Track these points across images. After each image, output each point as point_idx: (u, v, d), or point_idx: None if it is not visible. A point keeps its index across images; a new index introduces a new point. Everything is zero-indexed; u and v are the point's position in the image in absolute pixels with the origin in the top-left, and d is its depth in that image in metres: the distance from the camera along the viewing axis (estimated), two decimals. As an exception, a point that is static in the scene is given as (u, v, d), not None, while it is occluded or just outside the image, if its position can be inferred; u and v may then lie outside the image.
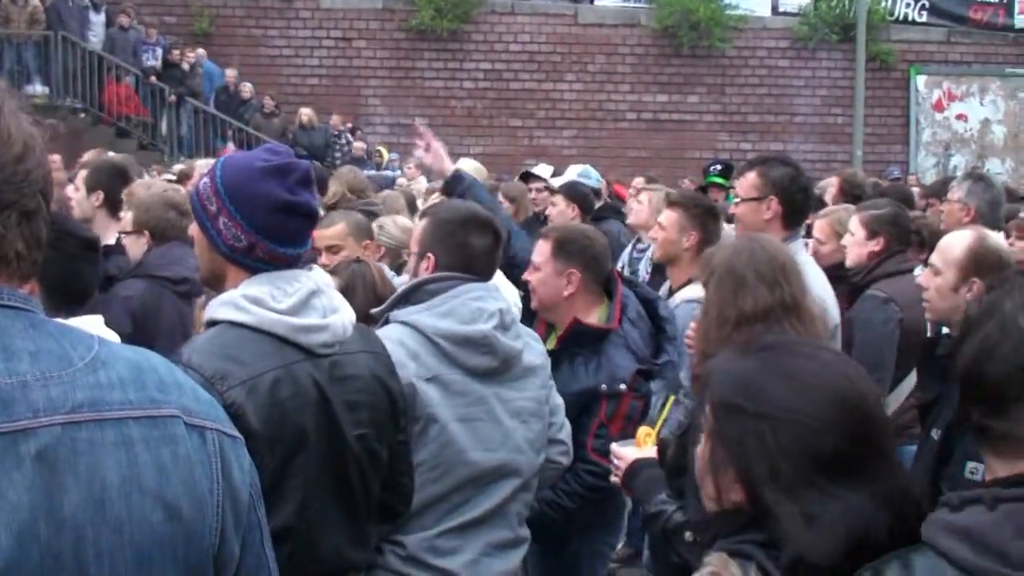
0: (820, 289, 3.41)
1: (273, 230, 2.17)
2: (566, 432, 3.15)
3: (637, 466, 2.75)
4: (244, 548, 1.35)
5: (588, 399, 3.35)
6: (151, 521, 1.23)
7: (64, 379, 1.21)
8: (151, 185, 4.52)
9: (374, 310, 3.01)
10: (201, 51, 16.97)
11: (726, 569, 1.37)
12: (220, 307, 2.18)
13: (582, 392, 3.35)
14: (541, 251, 3.55)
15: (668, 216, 4.34)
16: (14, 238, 1.23)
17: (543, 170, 7.22)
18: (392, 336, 2.73)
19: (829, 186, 6.77)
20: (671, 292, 4.29)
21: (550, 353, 3.40)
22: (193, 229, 2.29)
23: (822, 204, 5.94)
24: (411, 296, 2.86)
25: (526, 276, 3.63)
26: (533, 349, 3.03)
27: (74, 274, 2.88)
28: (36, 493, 1.15)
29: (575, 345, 3.44)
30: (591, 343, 3.43)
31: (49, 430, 1.17)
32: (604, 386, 3.35)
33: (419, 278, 2.89)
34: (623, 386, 3.35)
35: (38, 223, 1.26)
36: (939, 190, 6.63)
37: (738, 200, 3.89)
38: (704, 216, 4.28)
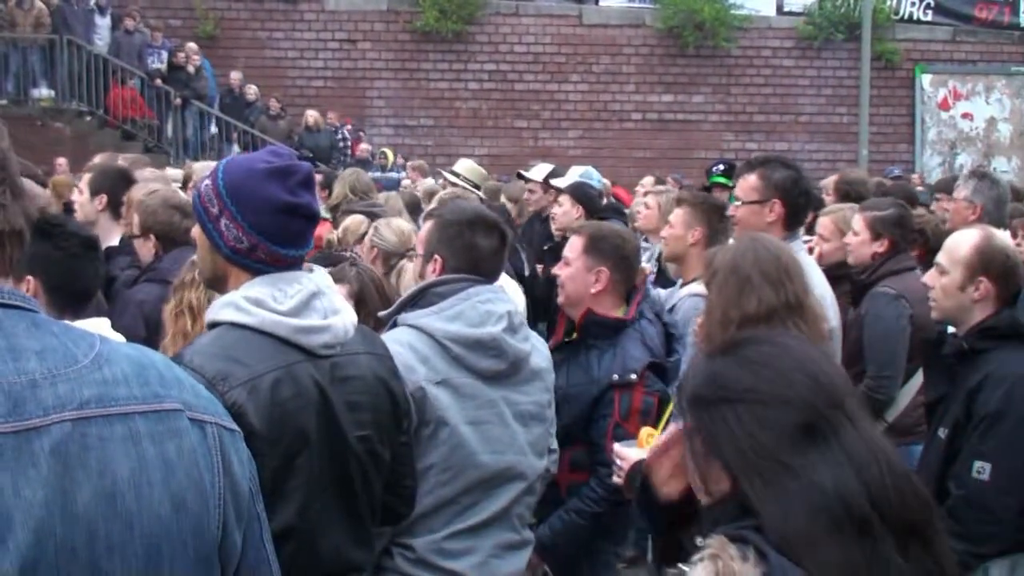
0: (821, 289, 3.39)
1: (274, 231, 2.17)
2: (555, 441, 3.14)
3: (639, 467, 2.74)
4: (244, 541, 1.36)
5: (601, 391, 3.34)
6: (159, 514, 1.25)
7: (71, 376, 1.22)
8: (150, 189, 4.51)
9: (381, 312, 3.00)
10: (192, 45, 16.80)
11: (724, 551, 1.37)
12: (221, 308, 2.18)
13: (594, 381, 3.35)
14: (573, 246, 3.55)
15: (676, 214, 4.36)
16: (14, 212, 1.26)
17: (539, 170, 7.23)
18: (402, 339, 2.73)
19: (830, 184, 6.76)
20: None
21: (568, 344, 3.42)
22: (195, 231, 2.29)
23: (823, 202, 5.93)
24: (419, 299, 2.85)
25: (555, 270, 3.63)
26: (539, 352, 3.03)
27: (75, 274, 2.89)
28: (50, 489, 1.16)
29: (592, 336, 3.45)
30: (608, 335, 3.44)
31: (60, 426, 1.19)
32: (616, 376, 3.34)
33: (427, 280, 2.89)
34: (634, 376, 3.33)
35: (27, 201, 1.29)
36: (948, 186, 6.60)
37: (739, 202, 3.85)
38: (709, 212, 4.27)
